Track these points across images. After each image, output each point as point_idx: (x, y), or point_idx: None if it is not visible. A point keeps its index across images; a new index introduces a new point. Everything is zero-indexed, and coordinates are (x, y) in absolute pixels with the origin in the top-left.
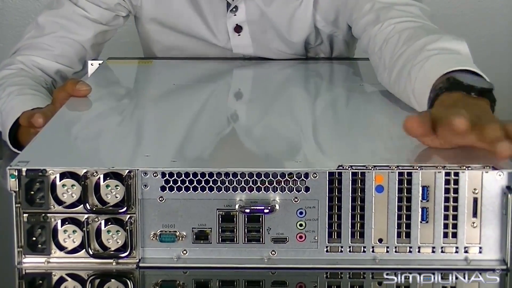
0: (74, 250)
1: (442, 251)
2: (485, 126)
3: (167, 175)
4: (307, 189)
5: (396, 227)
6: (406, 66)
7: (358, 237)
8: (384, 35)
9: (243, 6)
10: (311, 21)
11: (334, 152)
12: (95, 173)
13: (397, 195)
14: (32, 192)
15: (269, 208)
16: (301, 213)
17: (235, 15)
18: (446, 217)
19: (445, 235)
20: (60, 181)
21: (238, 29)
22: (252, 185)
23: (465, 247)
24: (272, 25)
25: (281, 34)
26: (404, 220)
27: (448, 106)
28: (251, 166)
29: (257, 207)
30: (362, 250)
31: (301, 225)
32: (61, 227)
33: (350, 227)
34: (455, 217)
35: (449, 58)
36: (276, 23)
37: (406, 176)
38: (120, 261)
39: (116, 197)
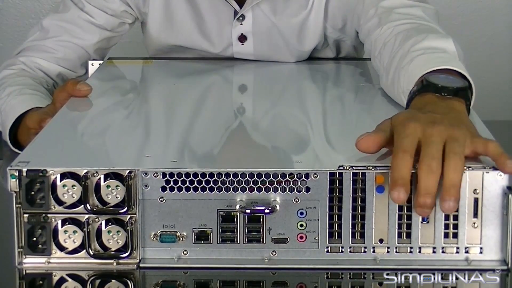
0: (75, 251)
1: (442, 252)
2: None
3: (167, 176)
4: (307, 189)
5: (396, 227)
6: (397, 69)
7: (358, 238)
8: (383, 38)
9: (250, 16)
10: (322, 29)
11: (335, 152)
12: (95, 174)
13: None
14: (33, 193)
15: (270, 208)
16: (301, 213)
17: (241, 24)
18: (446, 218)
19: (446, 235)
20: (60, 181)
21: (242, 38)
22: (252, 186)
23: (465, 248)
24: (281, 35)
25: (289, 44)
26: (405, 220)
27: (419, 109)
28: (251, 166)
29: (258, 208)
30: (362, 251)
31: (301, 225)
32: (62, 227)
33: (350, 227)
34: (455, 218)
35: (432, 58)
36: (285, 33)
37: None
38: (120, 261)
39: (117, 198)
